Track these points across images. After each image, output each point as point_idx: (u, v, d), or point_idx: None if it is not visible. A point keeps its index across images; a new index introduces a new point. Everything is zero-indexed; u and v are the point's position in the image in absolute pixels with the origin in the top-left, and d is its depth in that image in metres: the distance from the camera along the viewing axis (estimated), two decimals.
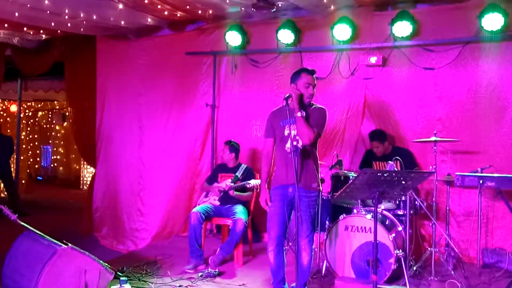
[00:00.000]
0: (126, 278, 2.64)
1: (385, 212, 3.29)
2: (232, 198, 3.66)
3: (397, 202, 3.35)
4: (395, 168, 3.14)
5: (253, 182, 3.59)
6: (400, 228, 3.24)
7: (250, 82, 4.46)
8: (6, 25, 4.23)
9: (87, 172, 8.64)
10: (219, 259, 3.42)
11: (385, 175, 2.18)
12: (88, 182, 6.21)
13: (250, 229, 3.77)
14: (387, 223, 3.21)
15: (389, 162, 3.18)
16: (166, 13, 4.10)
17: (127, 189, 4.70)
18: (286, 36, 4.10)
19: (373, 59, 3.90)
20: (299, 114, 2.60)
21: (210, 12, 4.15)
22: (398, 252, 2.97)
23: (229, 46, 4.39)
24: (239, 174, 3.76)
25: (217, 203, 3.72)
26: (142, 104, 4.74)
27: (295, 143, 2.66)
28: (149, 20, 4.27)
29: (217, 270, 3.34)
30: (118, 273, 2.93)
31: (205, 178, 4.10)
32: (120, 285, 2.57)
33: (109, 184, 4.80)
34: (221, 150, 4.21)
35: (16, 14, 3.82)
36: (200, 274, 3.26)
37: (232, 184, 3.68)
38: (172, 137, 4.62)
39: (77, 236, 4.27)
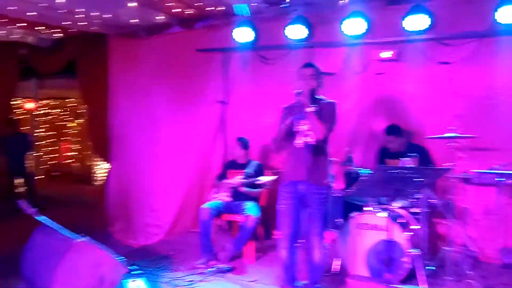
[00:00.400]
0: (139, 272, 2.66)
1: (400, 210, 3.23)
2: (242, 194, 3.66)
3: (412, 200, 3.28)
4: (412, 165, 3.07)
5: (263, 179, 3.57)
6: (415, 227, 3.17)
7: (260, 78, 4.42)
8: (20, 24, 4.30)
9: (99, 168, 8.76)
10: (230, 255, 3.43)
11: (399, 172, 2.13)
12: (100, 178, 6.31)
13: (260, 226, 3.76)
14: (401, 221, 3.15)
15: (401, 159, 3.11)
16: (176, 10, 4.10)
17: (139, 185, 4.73)
18: (297, 32, 4.04)
19: (386, 54, 3.82)
20: (310, 109, 2.56)
21: (220, 8, 4.13)
22: (413, 251, 2.91)
23: (239, 43, 4.37)
24: (249, 170, 3.75)
25: (228, 199, 3.72)
26: (153, 101, 4.76)
27: (305, 138, 2.63)
28: (159, 17, 4.28)
29: (228, 266, 3.34)
30: (131, 267, 2.96)
31: (216, 175, 4.10)
32: (134, 279, 2.59)
33: (122, 180, 4.85)
34: (232, 147, 4.20)
35: (30, 13, 3.88)
36: (211, 269, 3.28)
37: (243, 180, 3.67)
38: (183, 134, 4.63)
39: (91, 231, 4.31)
